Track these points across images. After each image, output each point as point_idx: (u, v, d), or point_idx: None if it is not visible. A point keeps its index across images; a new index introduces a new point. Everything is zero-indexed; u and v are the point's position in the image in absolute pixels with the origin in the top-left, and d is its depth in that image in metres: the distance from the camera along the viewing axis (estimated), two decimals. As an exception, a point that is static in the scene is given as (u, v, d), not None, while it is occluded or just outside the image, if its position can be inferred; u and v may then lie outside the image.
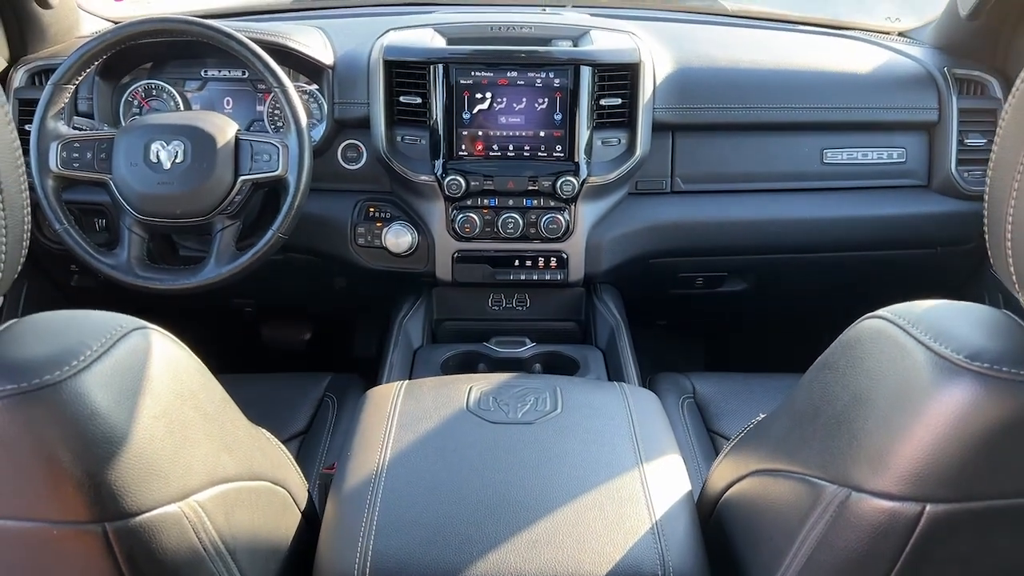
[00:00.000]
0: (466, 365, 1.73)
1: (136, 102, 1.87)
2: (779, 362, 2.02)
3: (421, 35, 1.80)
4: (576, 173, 1.74)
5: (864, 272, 1.97)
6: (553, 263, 1.80)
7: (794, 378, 1.88)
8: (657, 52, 1.81)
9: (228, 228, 1.61)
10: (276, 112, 1.86)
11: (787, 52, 1.93)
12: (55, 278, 2.02)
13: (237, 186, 1.59)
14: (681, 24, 2.12)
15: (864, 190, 1.89)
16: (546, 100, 1.72)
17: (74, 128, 1.65)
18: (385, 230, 1.80)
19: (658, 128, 1.80)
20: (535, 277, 1.79)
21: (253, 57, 1.58)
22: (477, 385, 1.29)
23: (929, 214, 1.87)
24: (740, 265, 1.95)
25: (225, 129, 1.60)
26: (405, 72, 1.74)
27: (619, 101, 1.75)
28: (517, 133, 1.73)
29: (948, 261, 1.95)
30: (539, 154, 1.74)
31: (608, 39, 1.77)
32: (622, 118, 1.77)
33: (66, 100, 1.58)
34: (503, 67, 1.71)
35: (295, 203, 1.58)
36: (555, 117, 1.73)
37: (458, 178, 1.72)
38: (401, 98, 1.75)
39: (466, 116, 1.73)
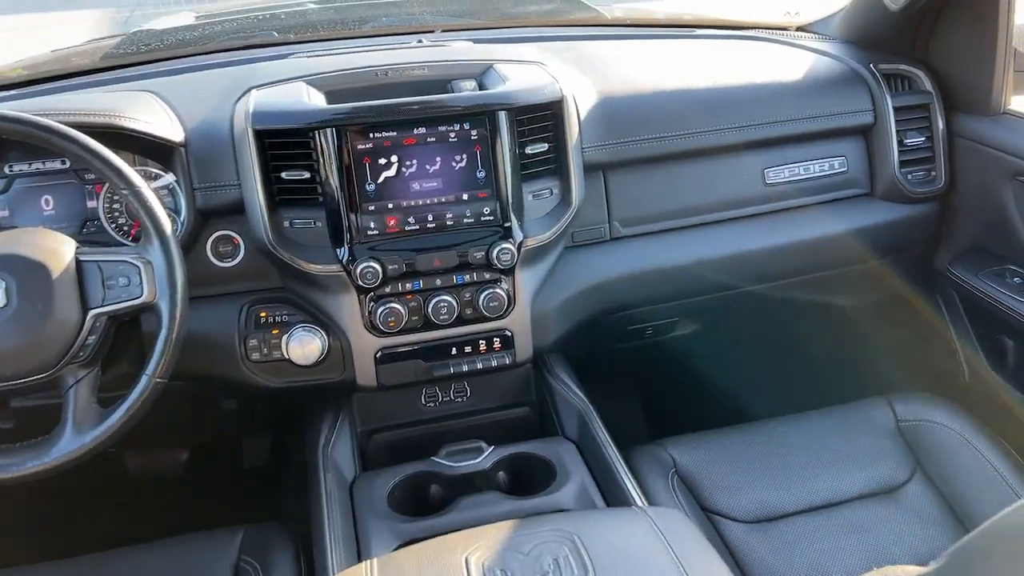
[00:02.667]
0: (416, 491, 1.41)
1: (-80, 219, 1.41)
2: (747, 404, 1.84)
3: (292, 92, 1.45)
4: (510, 237, 1.45)
5: (818, 293, 1.81)
6: (497, 344, 1.51)
7: (772, 424, 1.72)
8: (575, 83, 1.55)
9: (83, 380, 1.21)
10: (117, 207, 1.46)
11: (709, 66, 1.74)
12: None
13: (88, 324, 1.19)
14: (580, 42, 1.88)
15: (809, 208, 1.72)
16: (464, 156, 1.42)
17: None
18: (285, 338, 1.45)
19: (589, 169, 1.55)
20: (479, 365, 1.49)
21: (87, 155, 1.20)
22: (472, 551, 0.99)
23: (878, 224, 1.73)
24: (690, 308, 1.74)
25: (58, 251, 1.20)
26: (283, 142, 1.39)
27: (546, 147, 1.48)
28: (435, 200, 1.42)
29: (900, 268, 1.82)
30: (465, 220, 1.44)
31: (520, 74, 1.50)
32: (550, 165, 1.51)
33: None
34: (407, 123, 1.39)
35: (172, 335, 1.21)
36: (477, 175, 1.43)
37: (372, 264, 1.40)
38: (283, 174, 1.40)
39: (370, 188, 1.40)
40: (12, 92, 1.71)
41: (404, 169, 1.40)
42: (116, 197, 1.46)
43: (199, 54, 1.88)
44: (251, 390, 1.48)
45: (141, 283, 1.20)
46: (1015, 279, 1.65)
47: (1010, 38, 1.60)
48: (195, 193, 1.43)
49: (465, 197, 1.43)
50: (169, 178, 1.41)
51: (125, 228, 1.47)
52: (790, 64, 1.76)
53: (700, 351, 1.85)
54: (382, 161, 1.40)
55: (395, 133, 1.39)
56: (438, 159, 1.41)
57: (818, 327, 1.93)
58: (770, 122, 1.66)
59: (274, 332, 1.46)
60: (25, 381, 1.17)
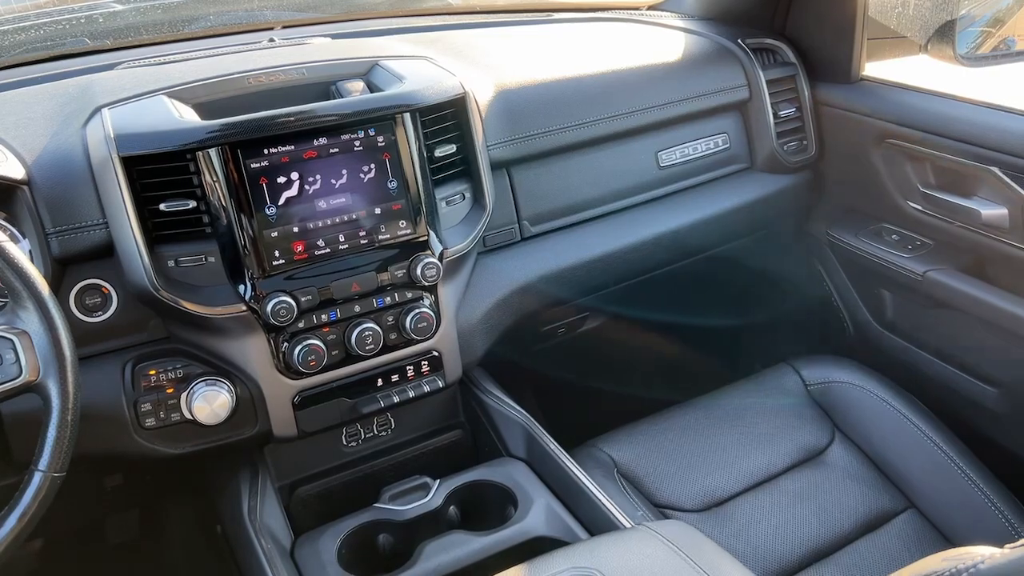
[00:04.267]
0: (365, 545, 1.25)
1: None
2: (661, 389, 1.82)
3: (155, 109, 1.23)
4: (429, 249, 1.32)
5: (711, 271, 1.82)
6: (425, 368, 1.37)
7: (692, 406, 1.72)
8: (468, 77, 1.44)
9: (-48, 492, 0.96)
10: None
11: (590, 51, 1.69)
12: None
13: None
14: (443, 33, 1.76)
15: (699, 187, 1.72)
16: (372, 166, 1.27)
17: None
18: (185, 396, 1.24)
19: (494, 168, 1.45)
20: (410, 393, 1.35)
21: None
22: None
23: (760, 196, 1.76)
24: (599, 301, 1.69)
25: None
26: (157, 168, 1.17)
27: (454, 148, 1.36)
28: (345, 217, 1.26)
29: (781, 237, 1.88)
30: (380, 237, 1.29)
31: (413, 71, 1.36)
32: (459, 168, 1.39)
33: None
34: (305, 134, 1.22)
35: (68, 418, 0.98)
36: (388, 185, 1.29)
37: (285, 298, 1.22)
38: (161, 206, 1.18)
39: (270, 211, 1.22)
40: None
41: (307, 186, 1.23)
42: None
43: (-5, 70, 1.58)
44: (145, 462, 1.25)
45: (18, 360, 0.96)
46: (892, 236, 1.74)
47: (866, 6, 1.68)
48: (48, 239, 1.17)
49: (378, 211, 1.28)
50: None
51: None
52: (664, 45, 1.74)
53: (610, 343, 1.81)
54: (281, 180, 1.21)
55: (293, 147, 1.21)
56: (344, 172, 1.25)
57: (714, 303, 1.96)
58: (659, 105, 1.63)
59: (169, 391, 1.24)
60: None
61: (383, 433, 1.46)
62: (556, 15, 1.98)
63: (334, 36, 1.67)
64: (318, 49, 1.55)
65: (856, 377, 1.67)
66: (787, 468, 1.54)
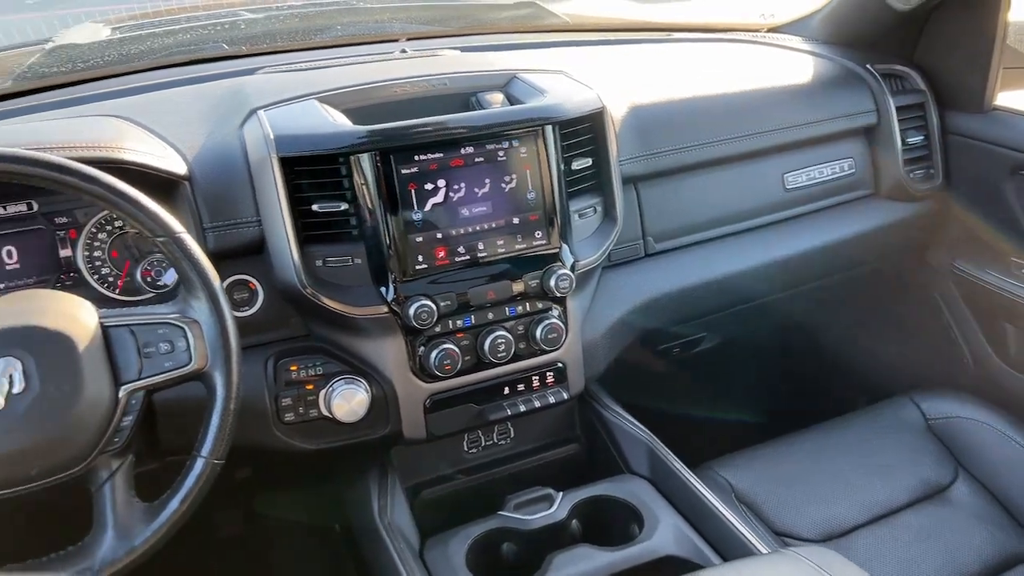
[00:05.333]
0: (490, 552, 1.26)
1: None
2: (776, 414, 1.80)
3: (311, 113, 1.27)
4: (562, 260, 1.33)
5: (830, 297, 1.80)
6: (550, 379, 1.38)
7: (809, 433, 1.69)
8: (604, 92, 1.45)
9: (119, 472, 0.99)
10: (98, 256, 1.23)
11: (719, 71, 1.68)
12: None
13: (122, 403, 0.97)
14: (566, 49, 1.78)
15: (823, 211, 1.70)
16: (514, 177, 1.29)
17: None
18: (324, 394, 1.26)
19: (623, 183, 1.45)
20: (536, 403, 1.36)
21: (115, 197, 0.98)
22: None
23: (884, 224, 1.73)
24: (716, 321, 1.67)
25: (78, 316, 0.98)
26: (313, 170, 1.21)
27: (589, 161, 1.37)
28: (485, 226, 1.28)
29: (902, 266, 1.84)
30: (516, 247, 1.30)
31: (556, 85, 1.38)
32: (592, 181, 1.40)
33: None
34: (453, 143, 1.24)
35: (230, 407, 1.01)
36: (528, 196, 1.30)
37: (426, 302, 1.24)
38: (314, 206, 1.22)
39: (416, 217, 1.24)
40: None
41: (452, 194, 1.25)
42: (97, 245, 1.23)
43: (144, 71, 1.64)
44: (279, 455, 1.28)
45: (188, 348, 1.00)
46: (1022, 271, 1.69)
47: (1005, 36, 1.64)
48: (205, 234, 1.22)
49: (516, 221, 1.30)
50: None
51: (110, 280, 1.24)
52: (790, 67, 1.73)
53: (726, 365, 1.79)
54: (428, 186, 1.24)
55: (441, 155, 1.24)
56: (487, 181, 1.27)
57: (831, 330, 1.93)
58: (786, 127, 1.62)
59: (308, 388, 1.27)
60: (51, 480, 0.94)
61: (502, 442, 1.47)
62: (675, 35, 1.98)
63: (462, 49, 1.69)
64: (450, 61, 1.58)
65: (980, 413, 1.63)
66: (909, 503, 1.50)
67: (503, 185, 1.28)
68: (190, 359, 0.99)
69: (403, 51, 1.66)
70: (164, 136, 1.28)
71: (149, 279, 1.25)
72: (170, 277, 1.26)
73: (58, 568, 0.94)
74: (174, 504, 0.98)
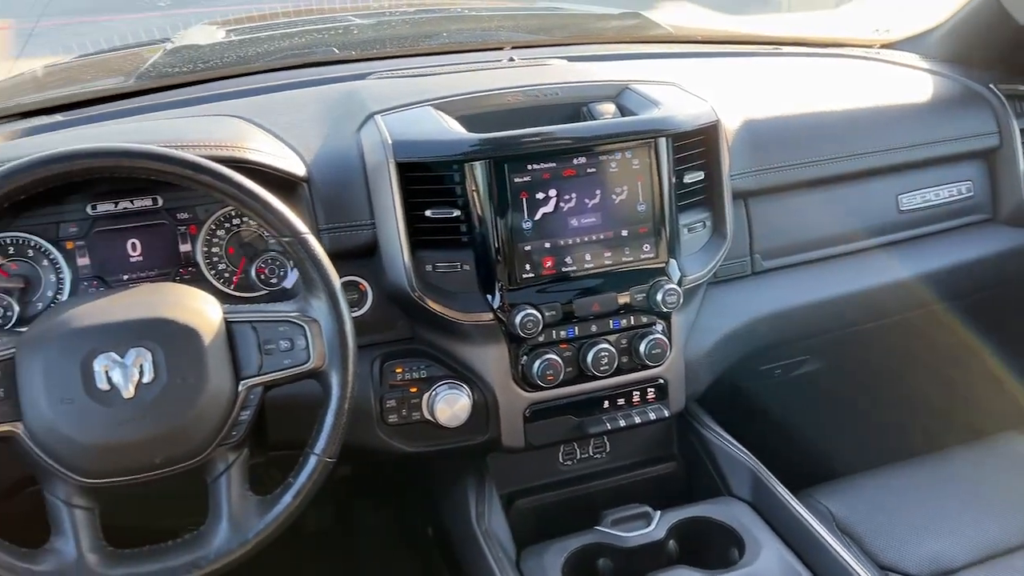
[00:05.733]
0: (585, 566, 1.25)
1: (-14, 271, 1.18)
2: (879, 443, 1.74)
3: (427, 119, 1.28)
4: (668, 275, 1.31)
5: (942, 323, 1.73)
6: (651, 395, 1.36)
7: (915, 464, 1.63)
8: (718, 106, 1.43)
9: (235, 465, 1.02)
10: (216, 252, 1.26)
11: (831, 87, 1.64)
12: None
13: (241, 396, 1.00)
14: (675, 61, 1.76)
15: (938, 235, 1.64)
16: (625, 189, 1.28)
17: None
18: (427, 397, 1.27)
19: (733, 198, 1.42)
20: (636, 419, 1.34)
21: (244, 196, 1.00)
22: None
23: (1004, 250, 1.66)
24: (820, 344, 1.63)
25: (205, 311, 1.00)
26: (427, 176, 1.22)
27: (701, 175, 1.35)
28: (594, 237, 1.27)
29: (1018, 295, 1.76)
30: (623, 259, 1.29)
31: (669, 96, 1.36)
32: (702, 195, 1.37)
33: None
34: (565, 153, 1.24)
35: (344, 407, 1.02)
36: (638, 208, 1.29)
37: (532, 311, 1.23)
38: (428, 212, 1.23)
39: (527, 225, 1.24)
40: (59, 118, 1.49)
41: (562, 204, 1.25)
42: (215, 242, 1.27)
43: (259, 72, 1.69)
44: (379, 456, 1.30)
45: (307, 346, 1.02)
46: None
47: None
48: (321, 235, 1.24)
49: (625, 233, 1.28)
50: None
51: (226, 275, 1.27)
52: (907, 85, 1.68)
53: (827, 389, 1.74)
54: (540, 195, 1.24)
55: (555, 164, 1.24)
56: (598, 192, 1.26)
57: (941, 358, 1.85)
58: (903, 147, 1.57)
59: (412, 391, 1.28)
60: (172, 470, 0.97)
61: (598, 456, 1.46)
62: (784, 48, 1.94)
63: (569, 59, 1.69)
64: (558, 71, 1.58)
65: (1103, 454, 1.54)
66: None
67: (614, 196, 1.27)
68: (308, 357, 1.01)
69: (511, 59, 1.66)
70: (282, 137, 1.31)
71: (263, 276, 1.28)
72: (289, 276, 1.28)
73: (175, 555, 0.97)
74: (287, 499, 1.00)
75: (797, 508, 1.26)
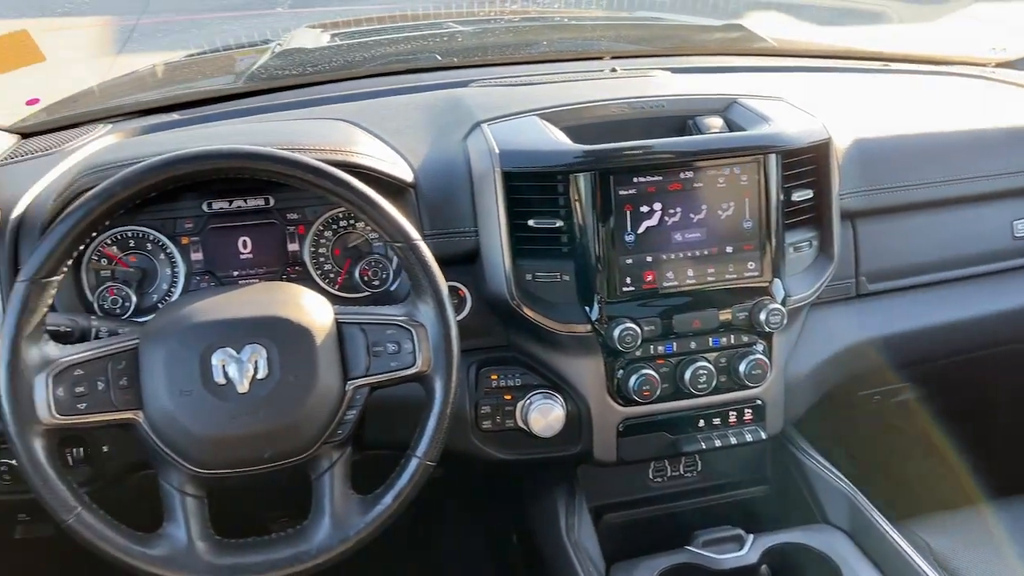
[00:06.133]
0: (674, 585, 1.23)
1: (106, 263, 1.23)
2: (979, 477, 1.67)
3: (533, 129, 1.29)
4: (772, 294, 1.28)
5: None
6: (748, 416, 1.33)
7: (1019, 503, 1.56)
8: (828, 123, 1.39)
9: (338, 463, 1.04)
10: (323, 252, 1.29)
11: (946, 105, 1.59)
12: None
13: (348, 396, 1.02)
14: (782, 75, 1.73)
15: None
16: (731, 205, 1.26)
17: (62, 339, 1.01)
18: (522, 405, 1.27)
19: (841, 218, 1.39)
20: (732, 439, 1.32)
21: (360, 201, 1.02)
22: None
23: None
24: (923, 372, 1.57)
25: (319, 312, 1.02)
26: (531, 186, 1.22)
27: (810, 193, 1.32)
28: (697, 253, 1.26)
29: None
30: (726, 276, 1.27)
31: (779, 112, 1.33)
32: (810, 214, 1.34)
33: (50, 304, 0.95)
34: (672, 166, 1.23)
35: (447, 411, 1.03)
36: (744, 225, 1.27)
37: (631, 325, 1.22)
38: (531, 221, 1.23)
39: (629, 238, 1.23)
40: (174, 117, 1.55)
41: (667, 218, 1.24)
42: (322, 243, 1.29)
43: (364, 77, 1.72)
44: (471, 462, 1.30)
45: (414, 350, 1.03)
46: None
47: None
48: (425, 241, 1.25)
49: (729, 250, 1.26)
50: None
51: (331, 276, 1.30)
52: (1029, 106, 1.61)
53: (929, 418, 1.68)
54: (644, 209, 1.23)
55: (661, 178, 1.23)
56: (704, 207, 1.25)
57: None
58: (1021, 171, 1.50)
59: (507, 398, 1.28)
60: (280, 464, 0.99)
61: (689, 474, 1.44)
62: (893, 65, 1.89)
63: (672, 70, 1.67)
64: (662, 83, 1.57)
65: None
66: None
67: (720, 212, 1.25)
68: (414, 361, 1.03)
69: (612, 70, 1.65)
70: (389, 142, 1.33)
71: (366, 278, 1.30)
72: (391, 279, 1.30)
73: (279, 548, 0.99)
74: (387, 500, 1.01)
75: (896, 540, 1.22)
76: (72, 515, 0.93)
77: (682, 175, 1.23)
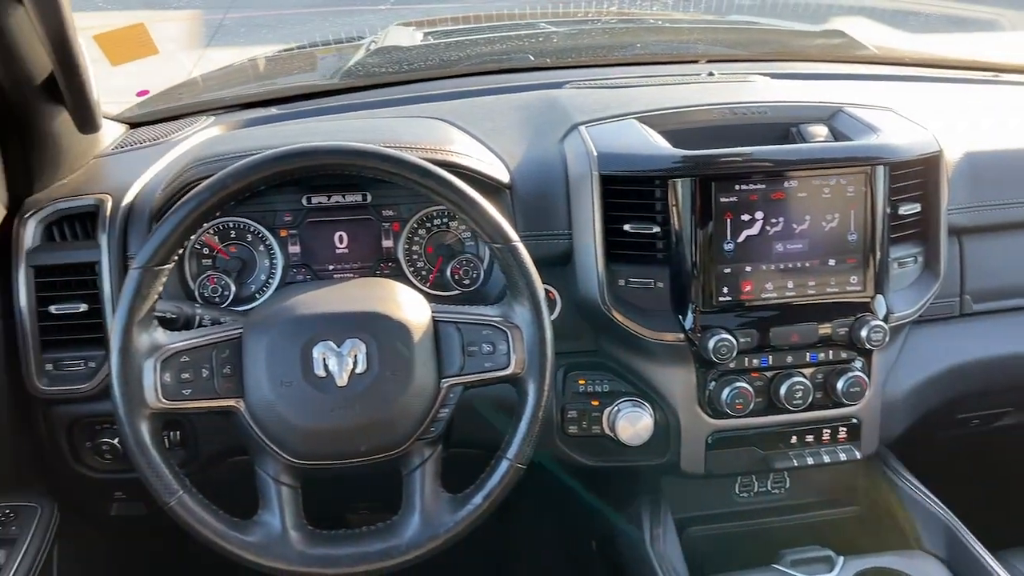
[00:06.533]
0: (761, 603, 1.20)
1: (207, 252, 1.26)
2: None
3: (631, 132, 1.27)
4: (874, 311, 1.24)
5: None
6: (842, 434, 1.29)
7: None
8: (938, 135, 1.34)
9: (429, 460, 1.04)
10: (415, 251, 1.29)
11: None
12: (85, 508, 1.37)
13: (442, 394, 1.02)
14: (890, 84, 1.67)
15: None
16: (836, 216, 1.22)
17: (168, 325, 1.04)
18: (609, 412, 1.26)
19: (948, 234, 1.33)
20: (825, 458, 1.28)
21: (462, 201, 1.02)
22: None
23: None
24: None
25: (417, 309, 1.03)
26: (628, 190, 1.21)
27: (918, 207, 1.27)
28: (799, 264, 1.22)
29: None
30: (828, 290, 1.23)
31: (887, 122, 1.29)
32: (916, 228, 1.29)
33: (160, 291, 0.98)
34: (775, 175, 1.20)
35: (539, 415, 1.03)
36: (848, 238, 1.23)
37: (726, 336, 1.20)
38: (626, 226, 1.21)
39: (728, 247, 1.21)
40: (274, 111, 1.58)
41: (768, 227, 1.21)
42: (415, 239, 1.30)
43: (458, 76, 1.73)
44: (555, 466, 1.29)
45: (508, 351, 1.02)
46: None
47: None
48: None
49: (832, 263, 1.23)
50: None
51: (423, 273, 1.30)
52: None
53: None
54: (745, 217, 1.20)
55: (764, 186, 1.20)
56: (807, 218, 1.21)
57: None
58: None
59: (594, 404, 1.27)
60: (374, 459, 1.00)
61: (776, 491, 1.40)
62: (1004, 76, 1.81)
63: (772, 76, 1.63)
64: (762, 88, 1.53)
65: None
66: None
67: (823, 224, 1.22)
68: (508, 362, 1.02)
69: (710, 74, 1.62)
70: (485, 142, 1.33)
71: (457, 276, 1.30)
72: (481, 279, 1.30)
73: (370, 542, 1.00)
74: (477, 500, 1.01)
75: (996, 570, 1.17)
76: (174, 498, 0.95)
77: (786, 184, 1.20)
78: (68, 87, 1.12)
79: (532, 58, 1.82)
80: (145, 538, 1.59)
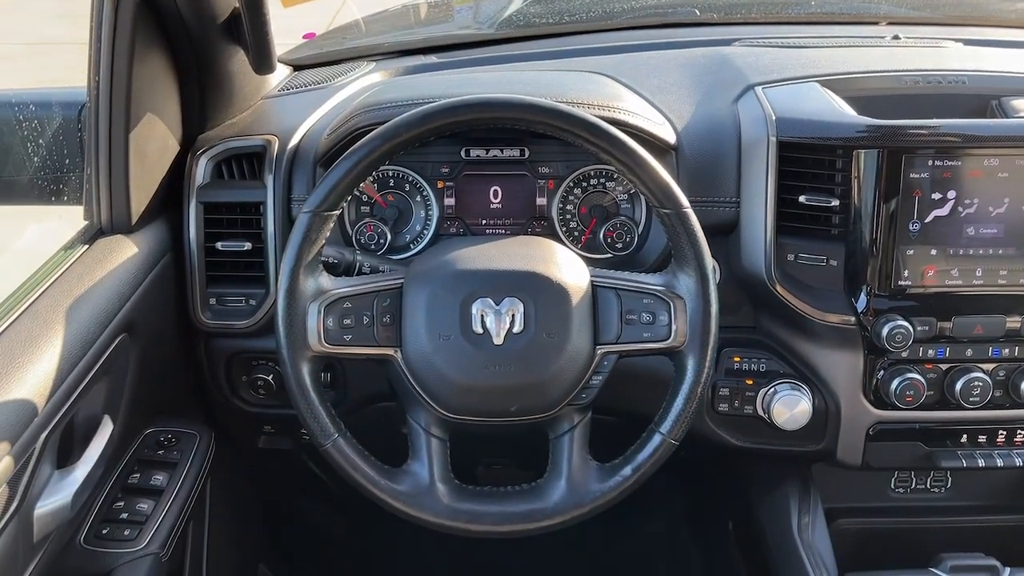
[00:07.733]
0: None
1: (366, 199, 1.27)
2: None
3: (813, 96, 1.18)
4: (1070, 307, 1.12)
5: None
6: (1020, 438, 1.19)
7: None
8: None
9: (579, 427, 1.01)
10: (569, 211, 1.26)
11: None
12: (236, 439, 1.43)
13: (596, 360, 0.99)
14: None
15: None
16: (1041, 199, 1.10)
17: (330, 270, 1.05)
18: (764, 393, 1.20)
19: None
20: (999, 462, 1.18)
21: (630, 161, 0.97)
22: None
23: None
24: None
25: (575, 272, 1.00)
26: (806, 159, 1.13)
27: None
28: (991, 251, 1.12)
29: None
30: (1022, 280, 1.12)
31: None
32: None
33: (327, 236, 0.98)
34: (976, 151, 1.09)
35: (697, 391, 0.98)
36: (1053, 224, 1.11)
37: (902, 323, 1.11)
38: (802, 197, 1.14)
39: (914, 227, 1.11)
40: (433, 59, 1.56)
41: (961, 208, 1.11)
42: (569, 199, 1.26)
43: (618, 29, 1.67)
44: (701, 445, 1.25)
45: (669, 323, 0.98)
46: None
47: None
48: None
49: (1032, 250, 1.12)
50: None
51: (575, 234, 1.27)
52: None
53: None
54: (935, 196, 1.10)
55: (960, 163, 1.09)
56: (1006, 200, 1.10)
57: None
58: None
59: (748, 383, 1.21)
60: (523, 419, 0.99)
61: (936, 490, 1.31)
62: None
63: (965, 42, 1.49)
64: (955, 55, 1.40)
65: None
66: None
67: (1023, 208, 1.10)
68: (669, 334, 0.98)
69: (895, 37, 1.50)
70: (651, 100, 1.28)
71: (610, 240, 1.26)
72: (635, 244, 1.26)
73: (514, 502, 0.99)
74: (626, 471, 0.98)
75: None
76: (330, 440, 0.97)
77: (986, 163, 1.09)
78: (251, 26, 1.13)
79: (698, 12, 1.73)
80: (287, 472, 1.65)
